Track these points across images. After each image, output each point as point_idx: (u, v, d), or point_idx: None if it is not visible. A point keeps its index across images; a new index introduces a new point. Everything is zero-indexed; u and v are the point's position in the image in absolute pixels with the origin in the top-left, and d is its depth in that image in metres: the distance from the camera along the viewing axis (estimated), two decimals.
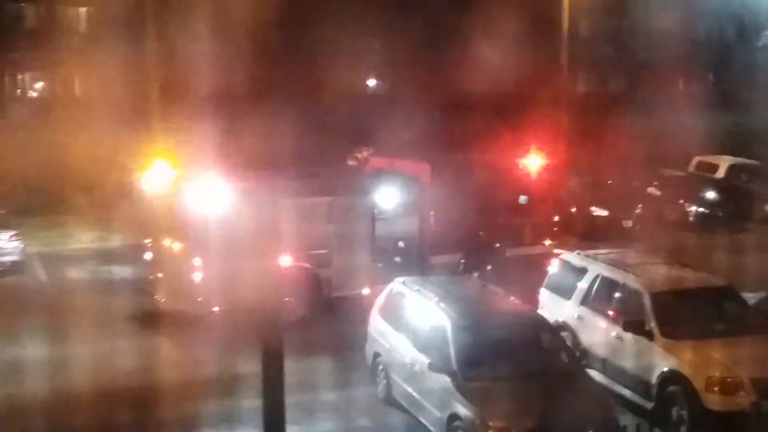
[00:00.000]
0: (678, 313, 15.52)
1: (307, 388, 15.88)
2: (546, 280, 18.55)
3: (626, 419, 14.33)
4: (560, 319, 17.30)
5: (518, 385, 13.61)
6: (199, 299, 19.22)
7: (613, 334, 16.03)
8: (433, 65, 46.67)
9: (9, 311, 20.68)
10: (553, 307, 17.75)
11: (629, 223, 29.08)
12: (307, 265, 20.04)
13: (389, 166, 23.27)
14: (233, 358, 17.26)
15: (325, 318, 19.86)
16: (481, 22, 44.16)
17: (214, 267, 19.04)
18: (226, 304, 18.93)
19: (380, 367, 16.23)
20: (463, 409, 13.40)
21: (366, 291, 20.11)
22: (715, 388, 14.20)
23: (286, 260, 19.04)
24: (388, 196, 21.34)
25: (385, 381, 16.00)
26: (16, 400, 15.87)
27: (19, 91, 45.97)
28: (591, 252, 18.41)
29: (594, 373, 15.83)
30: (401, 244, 21.85)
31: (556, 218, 24.40)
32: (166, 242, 20.53)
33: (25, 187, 27.91)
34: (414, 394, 14.92)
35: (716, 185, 33.03)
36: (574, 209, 29.08)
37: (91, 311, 20.49)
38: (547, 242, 23.18)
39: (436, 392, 14.14)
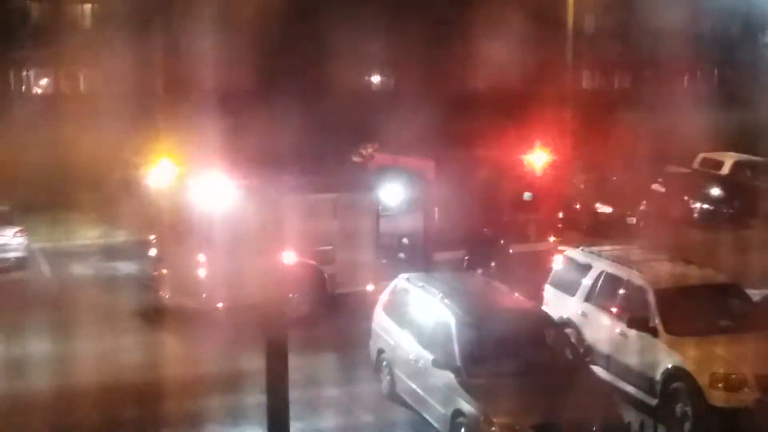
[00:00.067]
0: (682, 310, 15.49)
1: (311, 384, 15.89)
2: (550, 277, 18.55)
3: (630, 416, 14.31)
4: (564, 316, 17.29)
5: (522, 381, 13.61)
6: (203, 295, 19.24)
7: (618, 330, 16.03)
8: (438, 62, 46.65)
9: (14, 307, 20.71)
10: (557, 304, 17.74)
11: (633, 220, 29.06)
12: (312, 262, 20.05)
13: (394, 163, 23.27)
14: (237, 354, 17.30)
15: (329, 314, 19.88)
16: (486, 19, 44.10)
17: (219, 263, 19.06)
18: (230, 300, 18.95)
19: (384, 364, 16.24)
20: (467, 406, 13.41)
21: (370, 287, 20.12)
22: (720, 385, 14.20)
23: (290, 257, 19.05)
24: (392, 193, 21.34)
25: (389, 377, 16.01)
26: (22, 395, 15.91)
27: (23, 87, 46.00)
28: (595, 248, 18.40)
29: (598, 370, 15.82)
30: (405, 240, 21.85)
31: (561, 215, 24.38)
32: (171, 238, 20.54)
33: (30, 184, 27.94)
34: (418, 390, 14.93)
35: (721, 182, 32.97)
36: (578, 206, 29.08)
37: (96, 307, 20.53)
38: (552, 239, 23.16)
39: (440, 388, 14.15)
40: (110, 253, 25.68)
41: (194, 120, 30.10)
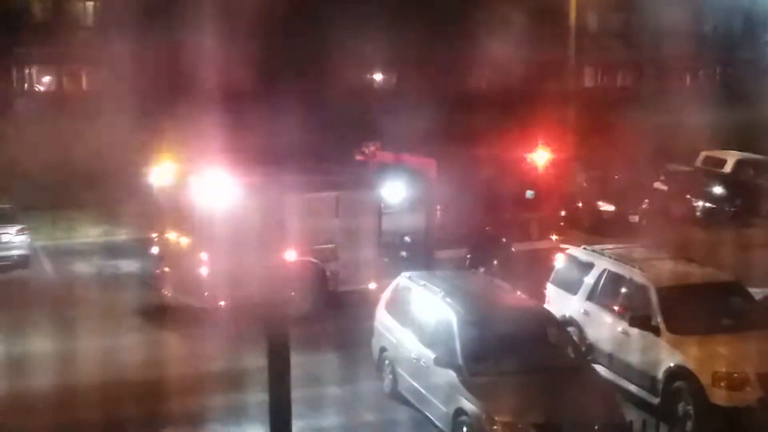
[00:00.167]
0: (684, 309, 15.49)
1: (313, 382, 15.90)
2: (552, 275, 18.54)
3: (632, 414, 14.29)
4: (566, 314, 17.28)
5: (524, 380, 13.61)
6: (205, 294, 19.23)
7: (620, 329, 16.03)
8: (440, 60, 46.67)
9: (16, 305, 20.72)
10: (559, 302, 17.73)
11: (636, 218, 29.04)
12: (314, 260, 20.05)
13: (396, 161, 23.26)
14: (239, 352, 17.30)
15: (331, 313, 19.87)
16: (489, 17, 44.12)
17: (221, 261, 19.06)
18: (232, 298, 18.94)
19: (386, 362, 16.24)
20: (468, 404, 13.41)
21: (372, 285, 20.12)
22: (722, 384, 14.20)
23: (292, 255, 19.05)
24: (394, 191, 21.33)
25: (391, 376, 16.01)
26: (24, 393, 15.91)
27: (26, 85, 46.05)
28: (597, 247, 18.38)
29: (600, 369, 15.81)
30: (407, 238, 21.85)
31: (563, 213, 24.37)
32: (173, 237, 20.55)
33: (32, 182, 27.96)
34: (420, 388, 14.92)
35: (723, 180, 32.95)
36: (580, 204, 29.06)
37: (98, 305, 20.55)
38: (554, 237, 23.16)
39: (442, 387, 14.15)
40: (112, 251, 25.68)
41: (196, 118, 30.07)
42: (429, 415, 14.66)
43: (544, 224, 23.19)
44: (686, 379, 14.53)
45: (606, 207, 29.32)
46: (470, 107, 41.20)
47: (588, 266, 17.50)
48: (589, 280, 17.25)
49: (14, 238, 23.97)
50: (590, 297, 17.12)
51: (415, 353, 15.14)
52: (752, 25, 54.35)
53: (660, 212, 29.78)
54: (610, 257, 17.27)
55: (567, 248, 19.37)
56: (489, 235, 22.26)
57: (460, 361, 13.96)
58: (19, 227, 24.14)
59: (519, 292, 16.33)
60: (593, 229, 27.81)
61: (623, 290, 16.49)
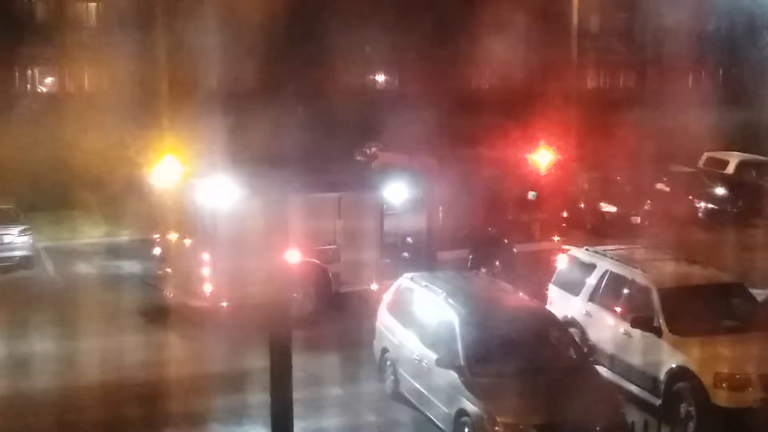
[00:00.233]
0: (686, 310, 15.48)
1: (315, 383, 15.91)
2: (554, 276, 18.54)
3: (634, 415, 14.30)
4: (568, 315, 17.29)
5: (526, 380, 13.60)
6: (207, 294, 19.24)
7: (622, 330, 16.02)
8: (442, 61, 46.62)
9: (19, 306, 20.74)
10: (561, 303, 17.73)
11: (638, 219, 29.03)
12: (316, 261, 20.05)
13: (398, 162, 23.26)
14: (242, 353, 17.30)
15: (333, 313, 19.87)
16: (491, 18, 44.06)
17: (223, 262, 19.06)
18: (234, 299, 18.95)
19: (388, 363, 16.24)
20: (470, 405, 13.41)
21: (374, 286, 20.13)
22: (724, 385, 14.19)
23: (294, 256, 19.05)
24: (396, 192, 21.32)
25: (392, 376, 16.02)
26: (27, 393, 15.94)
27: (28, 86, 46.04)
28: (599, 248, 18.39)
29: (602, 370, 15.81)
30: (409, 239, 21.84)
31: (565, 214, 24.37)
32: (175, 237, 20.56)
33: (34, 183, 27.99)
34: (422, 389, 14.93)
35: (725, 181, 32.95)
36: (582, 205, 29.07)
37: (100, 306, 20.56)
38: (556, 238, 23.15)
39: (443, 388, 14.15)
40: (114, 251, 25.71)
41: (198, 119, 30.10)
42: (431, 416, 14.66)
43: (546, 225, 23.18)
44: (688, 380, 14.53)
45: (608, 208, 29.32)
46: (472, 108, 41.21)
47: (590, 267, 17.49)
48: (591, 281, 17.25)
49: (17, 239, 24.01)
50: (592, 298, 17.12)
51: (417, 354, 15.15)
52: (755, 25, 54.28)
53: (662, 213, 29.75)
54: (612, 258, 17.26)
55: (569, 249, 19.36)
56: (491, 236, 22.26)
57: (462, 361, 13.96)
58: (21, 228, 24.17)
59: (521, 293, 16.32)
60: (595, 230, 27.82)
61: (625, 291, 16.49)
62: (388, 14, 42.66)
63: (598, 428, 13.16)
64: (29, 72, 45.89)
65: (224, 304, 19.13)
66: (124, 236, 27.27)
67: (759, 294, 17.22)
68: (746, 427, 14.15)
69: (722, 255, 23.27)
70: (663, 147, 34.06)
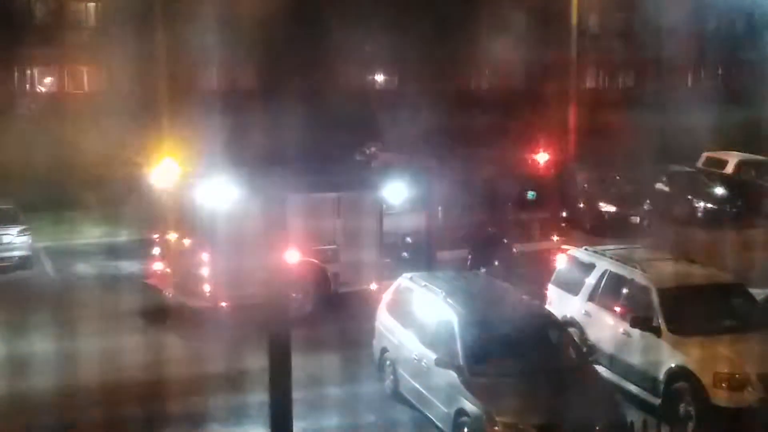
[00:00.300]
0: (685, 310, 15.49)
1: (314, 383, 15.90)
2: (554, 276, 18.53)
3: (633, 415, 14.29)
4: (568, 315, 17.28)
5: (525, 380, 13.60)
6: (206, 294, 19.24)
7: (621, 330, 16.02)
8: (442, 61, 46.66)
9: (18, 306, 20.72)
10: (560, 303, 17.73)
11: (637, 219, 29.04)
12: (315, 261, 20.05)
13: (397, 162, 23.26)
14: (241, 352, 17.29)
15: (333, 313, 19.86)
16: (490, 18, 44.09)
17: (222, 262, 19.06)
18: (233, 299, 18.95)
19: (387, 363, 16.24)
20: (470, 405, 13.41)
21: (373, 286, 20.12)
22: (723, 385, 14.19)
23: (293, 256, 19.05)
24: (396, 192, 21.33)
25: (392, 376, 16.01)
26: (26, 394, 15.93)
27: (27, 86, 46.06)
28: (599, 248, 18.39)
29: (601, 369, 15.79)
30: (409, 239, 21.85)
31: (564, 214, 24.37)
32: (174, 237, 20.56)
33: (34, 182, 27.97)
34: (421, 389, 14.93)
35: (725, 181, 32.96)
36: (582, 205, 29.06)
37: (99, 306, 20.57)
38: (555, 238, 23.16)
39: (443, 388, 14.15)
40: (114, 251, 25.69)
41: (198, 119, 30.12)
42: (430, 416, 14.66)
43: (545, 225, 23.19)
44: (687, 380, 14.53)
45: (607, 208, 29.32)
46: (472, 108, 41.24)
47: (589, 267, 17.49)
48: (591, 280, 17.25)
49: (16, 239, 23.99)
50: (591, 298, 17.12)
51: (416, 354, 15.14)
52: (754, 25, 54.33)
53: (661, 213, 29.79)
54: (611, 258, 17.26)
55: (568, 249, 19.36)
56: (490, 235, 22.26)
57: (461, 361, 13.95)
58: (20, 228, 24.15)
59: (520, 293, 16.32)
60: (594, 230, 27.83)
61: (624, 291, 16.48)
62: (388, 14, 42.68)
63: (597, 428, 13.15)
64: (28, 72, 45.90)
65: (223, 304, 19.14)
66: (123, 236, 27.25)
67: (758, 294, 17.22)
68: (745, 427, 14.14)
69: (721, 255, 23.28)
70: (662, 147, 34.07)
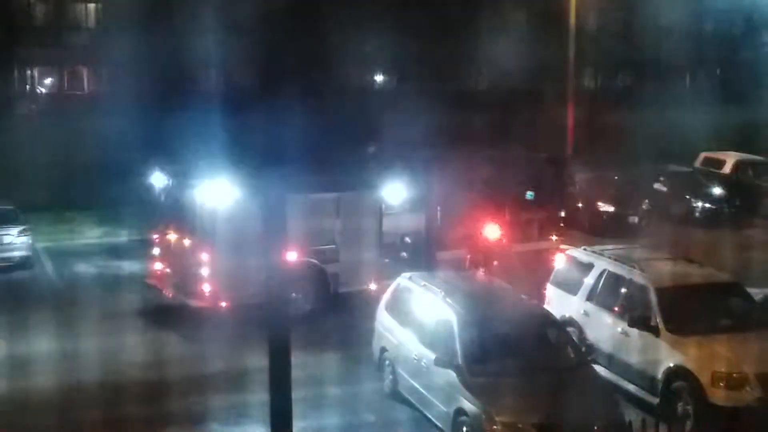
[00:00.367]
0: (684, 309, 15.53)
1: (314, 382, 15.91)
2: (552, 276, 18.56)
3: (632, 414, 14.33)
4: (566, 315, 17.31)
5: (524, 380, 13.64)
6: (206, 294, 19.26)
7: (619, 329, 16.06)
8: (441, 61, 46.67)
9: (18, 306, 20.72)
10: (559, 303, 17.76)
11: (635, 219, 29.08)
12: (314, 261, 20.07)
13: (396, 162, 23.26)
14: (241, 352, 17.33)
15: (332, 313, 19.89)
16: (489, 18, 44.09)
17: (222, 262, 19.09)
18: (233, 299, 18.98)
19: (387, 362, 16.27)
20: (469, 404, 13.45)
21: (373, 286, 20.14)
22: (721, 384, 14.24)
23: (293, 256, 19.08)
24: (395, 192, 21.35)
25: (391, 376, 16.04)
26: (27, 394, 15.95)
27: (27, 86, 46.07)
28: (597, 248, 18.42)
29: (600, 369, 15.83)
30: (408, 239, 21.87)
31: (563, 214, 24.39)
32: (174, 237, 20.58)
33: (34, 183, 27.98)
34: (420, 389, 14.96)
35: (723, 181, 33.01)
36: (580, 205, 29.09)
37: (99, 306, 20.56)
38: (554, 238, 23.17)
39: (442, 387, 14.19)
40: (114, 252, 25.71)
41: (197, 118, 30.12)
42: (429, 416, 14.69)
43: (544, 225, 23.20)
44: (686, 379, 14.57)
45: (606, 208, 29.35)
46: (470, 108, 41.26)
47: (588, 267, 17.53)
48: (589, 280, 17.29)
49: (16, 239, 24.00)
50: (590, 297, 17.16)
51: (415, 353, 15.18)
52: (752, 25, 54.35)
53: (659, 213, 29.82)
54: (609, 258, 17.29)
55: (567, 249, 19.39)
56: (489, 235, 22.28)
57: (460, 361, 13.99)
58: (20, 228, 24.16)
59: (519, 293, 16.36)
60: (593, 230, 27.84)
61: (623, 291, 16.52)
62: (387, 14, 42.68)
63: (596, 427, 13.18)
64: (29, 72, 45.92)
65: (223, 304, 19.17)
66: (123, 236, 27.27)
67: (756, 293, 17.27)
68: (743, 426, 14.19)
69: (719, 254, 23.32)
70: (660, 146, 34.12)
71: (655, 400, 15.10)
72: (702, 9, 51.57)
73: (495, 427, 12.96)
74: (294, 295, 19.15)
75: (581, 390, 13.86)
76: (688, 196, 31.46)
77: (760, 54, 52.51)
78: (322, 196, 20.14)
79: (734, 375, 14.28)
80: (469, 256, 21.96)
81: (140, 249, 23.66)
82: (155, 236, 21.36)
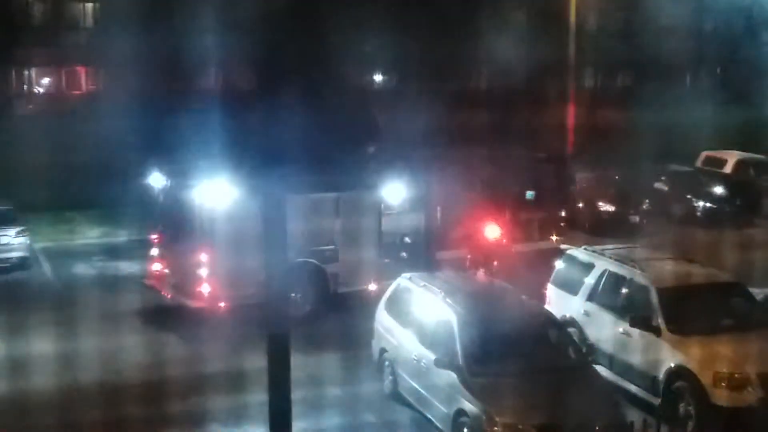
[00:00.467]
0: (685, 309, 15.47)
1: (314, 383, 15.87)
2: (553, 276, 18.50)
3: (633, 415, 14.28)
4: (567, 315, 17.26)
5: (525, 381, 13.58)
6: (205, 295, 19.21)
7: (620, 329, 16.00)
8: (441, 60, 46.63)
9: (16, 308, 20.66)
10: (559, 303, 17.71)
11: (636, 219, 29.04)
12: (314, 261, 20.02)
13: (396, 161, 23.22)
14: (240, 353, 17.27)
15: (332, 314, 19.85)
16: (490, 17, 44.05)
17: (221, 262, 19.04)
18: (232, 299, 18.93)
19: (386, 363, 16.22)
20: (469, 405, 13.38)
21: (372, 286, 20.09)
22: (723, 384, 14.18)
23: (292, 256, 19.00)
24: (395, 192, 21.30)
25: (391, 377, 15.99)
26: (25, 395, 15.89)
27: (25, 86, 46.05)
28: (598, 247, 18.37)
29: (601, 369, 15.77)
30: (408, 239, 21.82)
31: (563, 214, 24.35)
32: (173, 238, 20.51)
33: (32, 183, 27.93)
34: (420, 389, 14.91)
35: (724, 180, 32.94)
36: (581, 204, 29.05)
37: (98, 307, 20.50)
38: (554, 238, 23.13)
39: (442, 388, 14.13)
40: (112, 252, 25.65)
41: (196, 118, 30.07)
42: (429, 416, 14.64)
43: (544, 225, 23.17)
44: (687, 380, 14.51)
45: (606, 207, 29.31)
46: (470, 107, 41.20)
47: (588, 267, 17.47)
48: (590, 280, 17.23)
49: (13, 240, 23.92)
50: (591, 297, 17.10)
51: (415, 354, 15.12)
52: (753, 24, 54.32)
53: (660, 213, 29.78)
54: (610, 258, 17.24)
55: (567, 249, 19.33)
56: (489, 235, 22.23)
57: (460, 362, 13.93)
58: (18, 229, 24.09)
59: (519, 293, 16.29)
60: (594, 230, 27.79)
61: (624, 291, 16.46)
62: (387, 14, 42.65)
63: (597, 428, 13.13)
64: (26, 72, 45.90)
65: (222, 304, 19.12)
66: (122, 237, 27.23)
67: (758, 293, 17.22)
68: (745, 427, 14.13)
69: (721, 254, 23.26)
70: (661, 146, 34.05)
71: (657, 401, 15.05)
72: (703, 7, 51.54)
73: (496, 428, 12.90)
74: (293, 295, 19.10)
75: (582, 390, 13.80)
76: (689, 196, 31.41)
77: (761, 53, 52.45)
78: (321, 196, 20.08)
79: (736, 375, 14.23)
80: (469, 256, 21.92)
81: (139, 249, 23.61)
82: (154, 237, 21.30)
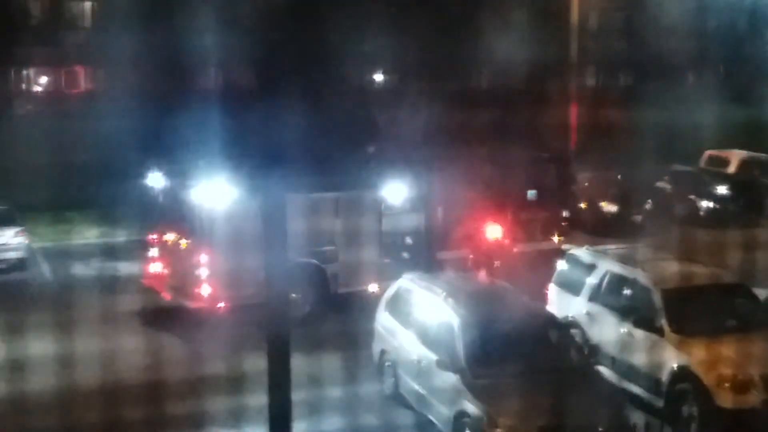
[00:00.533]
0: (689, 310, 15.37)
1: (314, 384, 15.80)
2: (555, 276, 18.43)
3: (636, 417, 14.20)
4: (569, 316, 17.18)
5: (527, 382, 13.49)
6: (205, 296, 19.13)
7: (623, 330, 15.90)
8: (442, 60, 46.61)
9: (14, 308, 20.60)
10: (562, 304, 17.63)
11: (639, 219, 28.97)
12: (314, 261, 19.94)
13: (397, 161, 23.13)
14: (239, 354, 17.21)
15: (332, 314, 19.78)
16: (490, 17, 43.99)
17: (221, 263, 18.96)
18: (232, 300, 18.86)
19: (387, 364, 16.14)
20: (471, 407, 13.30)
21: (373, 287, 20.02)
22: (726, 386, 14.08)
23: (292, 256, 18.90)
24: (395, 191, 21.22)
25: (392, 378, 15.92)
26: (23, 397, 15.84)
27: (24, 86, 46.06)
28: (600, 248, 18.32)
29: (604, 370, 15.70)
30: (409, 239, 21.75)
31: (565, 214, 24.27)
32: (172, 238, 20.44)
33: (30, 183, 27.87)
34: (421, 391, 14.83)
35: (727, 180, 32.83)
36: (583, 204, 28.97)
37: (96, 308, 20.43)
38: (556, 238, 23.06)
39: (443, 389, 14.04)
40: (111, 253, 25.59)
41: (196, 118, 30.02)
42: (431, 418, 14.57)
43: (546, 225, 23.10)
44: (691, 381, 14.41)
45: (609, 207, 29.25)
46: (472, 107, 41.14)
47: (591, 267, 17.38)
48: (592, 281, 17.14)
49: (12, 240, 23.85)
50: (593, 298, 17.01)
51: (416, 355, 15.04)
52: (756, 23, 54.28)
53: (663, 213, 29.69)
54: (613, 258, 17.17)
55: (569, 249, 19.25)
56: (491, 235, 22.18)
57: (462, 363, 13.85)
58: (17, 229, 24.02)
59: (521, 294, 16.20)
60: (596, 230, 27.71)
61: (627, 291, 16.37)
62: (388, 12, 42.63)
63: (599, 429, 13.07)
64: (25, 72, 45.91)
65: (222, 305, 19.04)
66: (121, 237, 27.17)
67: (762, 294, 17.10)
68: (749, 429, 14.03)
69: (724, 254, 23.15)
70: (664, 145, 33.98)
71: (660, 402, 14.96)
72: (705, 6, 51.50)
73: (497, 429, 12.84)
74: (294, 295, 19.01)
75: (584, 392, 13.72)
76: (692, 196, 31.31)
77: (764, 51, 52.43)
78: (321, 196, 20.01)
79: (740, 377, 14.13)
80: (470, 257, 21.85)
81: (138, 250, 23.54)
82: (153, 237, 21.23)
